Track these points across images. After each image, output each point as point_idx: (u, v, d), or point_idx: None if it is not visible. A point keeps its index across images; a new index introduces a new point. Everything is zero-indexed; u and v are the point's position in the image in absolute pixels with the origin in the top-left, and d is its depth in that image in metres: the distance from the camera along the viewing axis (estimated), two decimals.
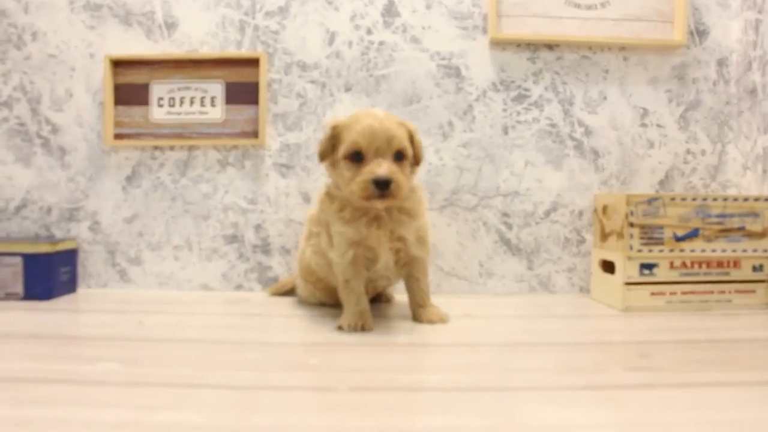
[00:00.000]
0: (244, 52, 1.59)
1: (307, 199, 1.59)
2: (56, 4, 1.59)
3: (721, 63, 1.63)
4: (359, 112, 1.18)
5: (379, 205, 1.14)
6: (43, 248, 1.47)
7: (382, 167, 1.10)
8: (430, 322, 1.23)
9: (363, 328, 1.16)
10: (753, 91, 1.56)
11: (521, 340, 1.11)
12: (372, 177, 1.09)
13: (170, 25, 1.59)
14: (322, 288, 1.38)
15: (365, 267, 1.22)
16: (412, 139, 1.18)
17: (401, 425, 0.68)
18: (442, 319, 1.24)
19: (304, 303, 1.45)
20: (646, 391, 0.80)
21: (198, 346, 1.04)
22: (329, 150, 1.18)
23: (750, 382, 0.85)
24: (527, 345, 1.07)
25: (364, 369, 0.91)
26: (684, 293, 1.38)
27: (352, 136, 1.12)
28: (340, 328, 1.17)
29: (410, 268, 1.27)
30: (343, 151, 1.14)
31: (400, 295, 1.46)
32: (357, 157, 1.13)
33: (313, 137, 1.57)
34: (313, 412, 0.72)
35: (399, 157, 1.14)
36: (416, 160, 1.21)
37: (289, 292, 1.55)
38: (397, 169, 1.12)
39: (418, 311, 1.26)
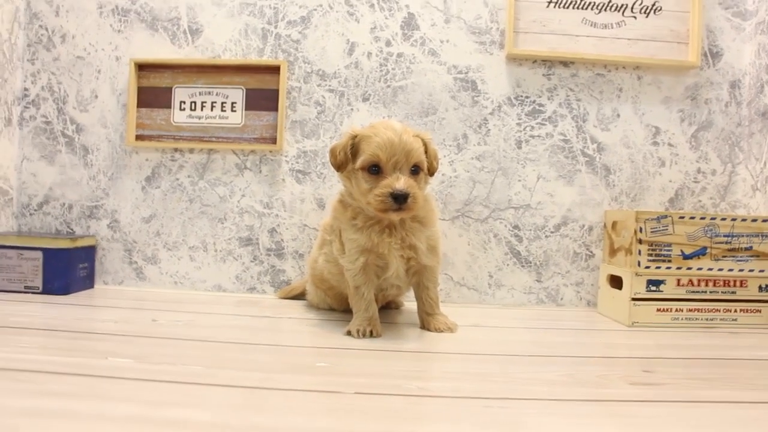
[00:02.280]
0: (266, 59, 1.62)
1: (321, 205, 1.62)
2: (86, 7, 1.64)
3: (734, 85, 1.64)
4: (377, 124, 1.19)
5: (395, 217, 1.16)
6: (63, 244, 1.51)
7: (401, 182, 1.12)
8: (438, 330, 1.25)
9: (371, 334, 1.18)
10: (764, 114, 1.57)
11: (528, 351, 1.12)
12: (390, 191, 1.11)
13: (194, 32, 1.63)
14: (333, 295, 1.41)
15: (376, 274, 1.25)
16: (426, 149, 1.20)
17: (403, 430, 0.70)
18: (450, 328, 1.26)
19: (314, 307, 1.47)
20: (649, 406, 0.81)
21: (209, 346, 1.07)
22: (347, 159, 1.20)
23: (754, 401, 0.86)
24: (534, 356, 1.08)
25: (371, 374, 0.93)
26: (690, 311, 1.40)
27: (372, 149, 1.15)
28: (349, 333, 1.19)
29: (420, 277, 1.29)
30: (361, 162, 1.16)
31: (409, 302, 1.48)
32: (375, 170, 1.15)
33: (330, 145, 1.60)
34: (318, 415, 0.74)
35: (415, 170, 1.17)
36: (430, 171, 1.23)
37: (299, 296, 1.58)
38: (413, 182, 1.14)
39: (427, 319, 1.28)
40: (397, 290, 1.35)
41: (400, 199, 1.11)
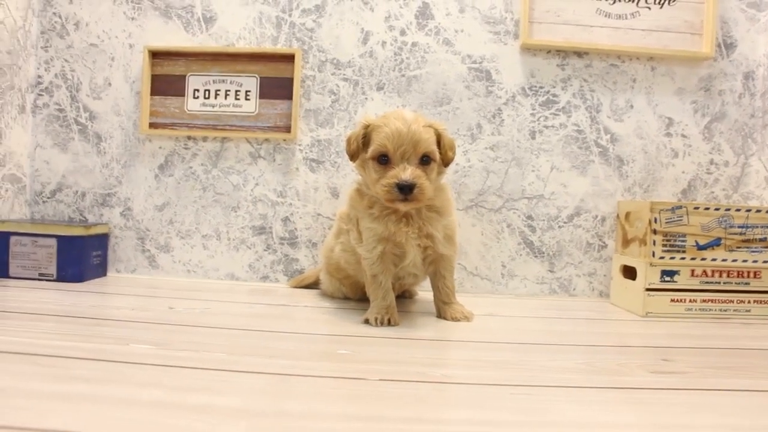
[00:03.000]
0: (280, 48, 1.62)
1: (335, 194, 1.62)
2: None
3: (748, 76, 1.64)
4: (389, 114, 1.20)
5: (403, 207, 1.17)
6: (77, 231, 1.51)
7: (407, 172, 1.12)
8: (455, 319, 1.26)
9: (389, 323, 1.18)
10: None
11: (544, 340, 1.13)
12: (396, 181, 1.12)
13: (208, 19, 1.63)
14: (349, 284, 1.42)
15: (393, 263, 1.25)
16: (440, 140, 1.20)
17: (431, 416, 0.70)
18: (467, 317, 1.26)
19: (328, 296, 1.48)
20: (671, 394, 0.82)
21: (227, 333, 1.07)
22: (359, 148, 1.21)
23: None
24: (550, 345, 1.09)
25: (394, 361, 0.93)
26: (704, 301, 1.40)
27: (380, 139, 1.15)
28: (366, 321, 1.20)
29: (437, 266, 1.29)
30: (371, 152, 1.17)
31: (423, 292, 1.48)
32: (383, 160, 1.16)
33: (343, 134, 1.60)
34: (345, 401, 0.75)
35: (425, 160, 1.16)
36: (444, 161, 1.22)
37: (311, 285, 1.58)
38: (421, 173, 1.14)
39: (443, 308, 1.29)
40: (413, 279, 1.35)
41: (405, 190, 1.11)
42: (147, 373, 0.81)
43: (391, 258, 1.24)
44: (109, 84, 1.65)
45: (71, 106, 1.65)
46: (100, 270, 1.62)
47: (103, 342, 0.97)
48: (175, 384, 0.77)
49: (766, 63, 1.63)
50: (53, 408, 0.67)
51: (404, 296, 1.50)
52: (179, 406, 0.70)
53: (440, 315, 1.29)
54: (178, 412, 0.68)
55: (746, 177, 1.65)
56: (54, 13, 1.64)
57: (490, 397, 0.78)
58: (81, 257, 1.52)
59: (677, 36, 1.62)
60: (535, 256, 1.63)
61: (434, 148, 1.17)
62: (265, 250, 1.64)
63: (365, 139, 1.20)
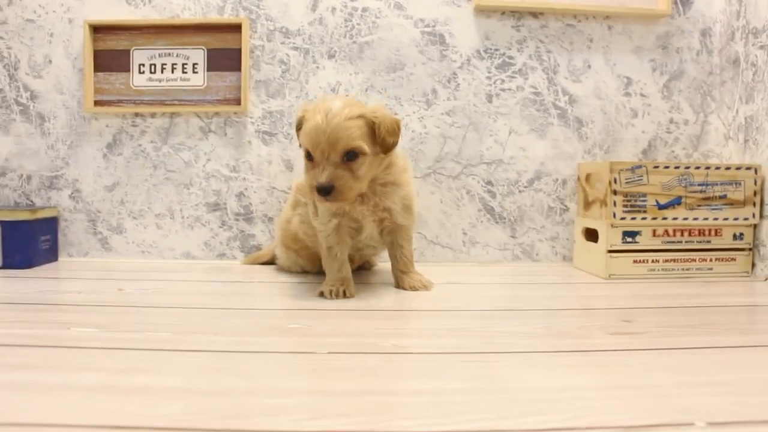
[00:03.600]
0: (226, 17, 1.56)
1: (289, 166, 1.58)
2: None
3: (705, 33, 1.62)
4: (318, 104, 1.11)
5: (329, 205, 1.14)
6: (23, 216, 1.45)
7: (324, 174, 1.07)
8: (413, 288, 1.23)
9: (345, 294, 1.16)
10: (735, 62, 1.55)
11: (505, 306, 1.11)
12: (314, 183, 1.07)
13: None
14: (306, 256, 1.38)
15: (350, 236, 1.22)
16: (374, 129, 1.11)
17: (381, 388, 0.68)
18: (425, 286, 1.24)
19: (286, 271, 1.44)
20: (629, 355, 0.80)
21: (178, 312, 1.03)
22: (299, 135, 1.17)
23: (729, 345, 0.85)
24: (511, 311, 1.07)
25: (345, 333, 0.91)
26: (666, 261, 1.39)
27: (303, 135, 1.11)
28: (321, 294, 1.17)
29: (394, 235, 1.26)
30: (301, 147, 1.14)
31: (383, 262, 1.46)
32: (309, 156, 1.11)
33: (295, 104, 1.56)
34: (292, 376, 0.72)
35: (351, 156, 1.09)
36: (384, 148, 1.14)
37: (266, 263, 1.54)
38: (343, 172, 1.08)
39: (401, 278, 1.26)
40: (372, 250, 1.34)
41: (323, 192, 1.07)
42: (86, 357, 0.78)
43: (347, 231, 1.21)
44: (50, 61, 1.58)
45: (10, 86, 1.58)
46: (51, 255, 1.56)
47: (43, 327, 0.92)
48: (114, 366, 0.74)
49: (722, 19, 1.61)
50: None
51: (363, 267, 1.48)
52: (116, 388, 0.66)
53: (398, 285, 1.26)
54: (114, 395, 0.64)
55: (706, 135, 1.64)
56: None
57: (443, 365, 0.75)
58: (28, 242, 1.46)
59: None
60: (497, 222, 1.60)
61: (358, 143, 1.08)
62: (220, 227, 1.60)
63: (300, 127, 1.15)
